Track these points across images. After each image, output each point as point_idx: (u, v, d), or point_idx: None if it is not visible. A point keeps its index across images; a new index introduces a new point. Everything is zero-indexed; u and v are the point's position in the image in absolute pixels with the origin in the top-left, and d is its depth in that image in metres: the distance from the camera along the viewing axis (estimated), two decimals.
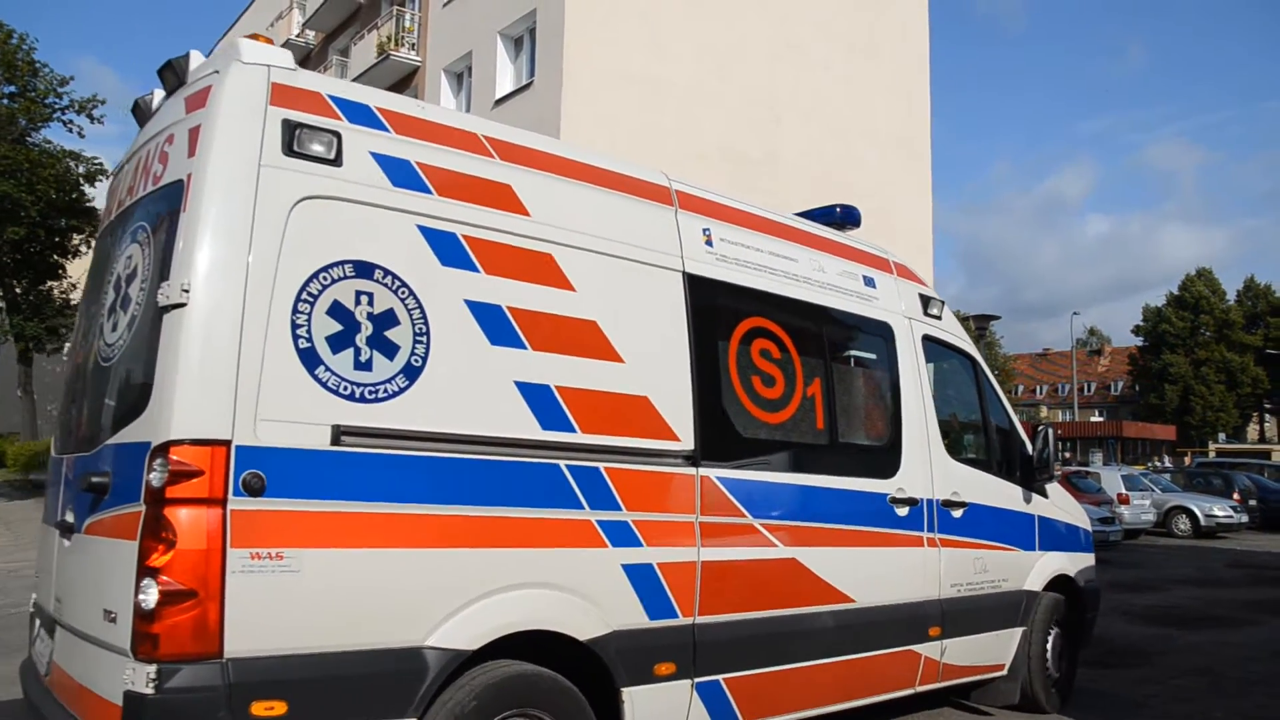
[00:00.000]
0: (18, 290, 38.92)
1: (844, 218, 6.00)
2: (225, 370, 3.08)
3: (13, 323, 39.04)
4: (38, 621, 4.07)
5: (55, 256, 39.24)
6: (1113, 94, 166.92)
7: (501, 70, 20.15)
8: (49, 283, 40.05)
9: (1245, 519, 22.35)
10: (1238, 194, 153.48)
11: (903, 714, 5.94)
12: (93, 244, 37.46)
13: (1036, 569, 6.22)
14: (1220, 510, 21.84)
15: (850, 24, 23.06)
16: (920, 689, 5.45)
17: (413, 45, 23.22)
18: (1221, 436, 64.79)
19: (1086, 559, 6.78)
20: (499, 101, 19.89)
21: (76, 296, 41.54)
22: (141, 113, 4.10)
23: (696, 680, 4.20)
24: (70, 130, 30.54)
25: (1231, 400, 69.96)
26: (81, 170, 36.59)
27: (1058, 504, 6.57)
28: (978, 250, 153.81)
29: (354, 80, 24.30)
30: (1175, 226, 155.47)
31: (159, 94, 4.02)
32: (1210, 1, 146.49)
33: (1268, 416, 75.55)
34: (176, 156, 3.43)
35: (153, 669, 2.89)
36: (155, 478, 2.99)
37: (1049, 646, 6.20)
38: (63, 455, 4.04)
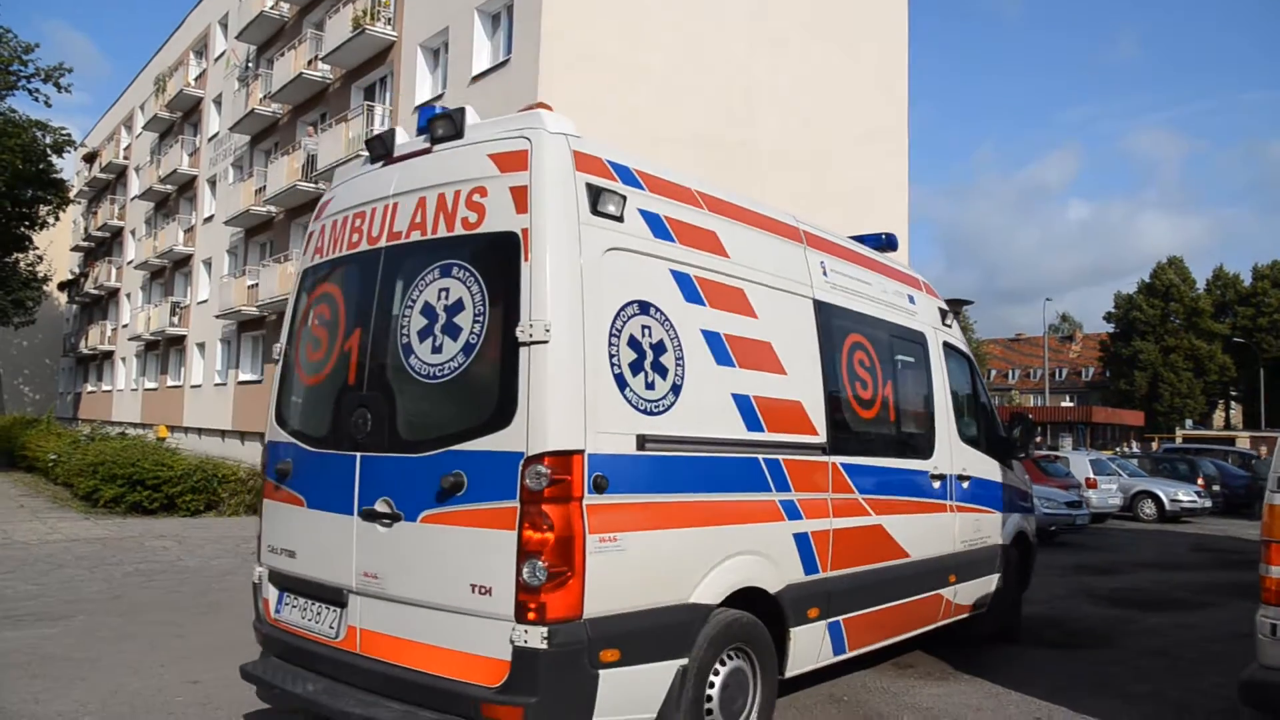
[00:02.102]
0: None
1: (887, 243, 7.10)
2: (577, 393, 3.90)
3: None
4: (280, 594, 4.83)
5: (21, 228, 38.53)
6: (1101, 81, 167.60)
7: (479, 47, 19.93)
8: (15, 254, 39.36)
9: (1209, 504, 22.69)
10: (1216, 183, 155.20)
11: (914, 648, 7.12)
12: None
13: (1007, 527, 7.71)
14: (1185, 495, 22.16)
15: (830, 13, 23.02)
16: (939, 624, 6.76)
17: (389, 20, 22.91)
18: (1189, 423, 65.73)
19: (1032, 519, 8.44)
20: (476, 78, 19.70)
21: (43, 269, 40.89)
22: (384, 146, 4.74)
23: (828, 620, 5.31)
24: (36, 99, 29.86)
25: (1199, 387, 71.02)
26: (49, 140, 35.84)
27: (1017, 474, 8.18)
28: (958, 234, 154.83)
29: (326, 56, 24.02)
30: (1154, 214, 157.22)
31: (403, 134, 4.77)
32: None
33: (1233, 404, 76.75)
34: (498, 210, 4.09)
35: (544, 629, 3.72)
36: (532, 482, 3.79)
37: (1013, 588, 7.81)
38: (339, 451, 4.51)
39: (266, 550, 5.00)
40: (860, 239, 6.84)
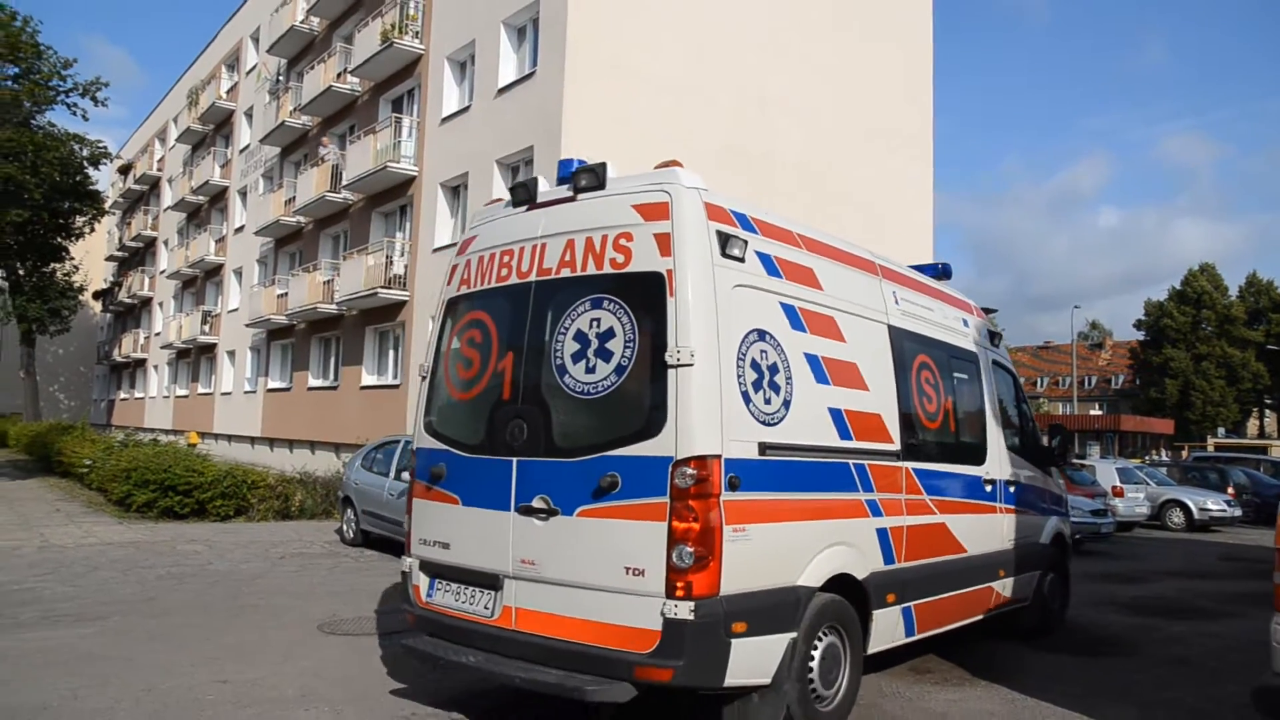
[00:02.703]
0: (21, 272, 39.06)
1: (943, 272, 7.91)
2: (715, 407, 4.66)
3: (15, 304, 39.20)
4: (430, 581, 5.59)
5: (59, 239, 39.34)
6: (1127, 87, 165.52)
7: (504, 59, 20.17)
8: (52, 264, 40.17)
9: (1239, 513, 22.39)
10: (1252, 189, 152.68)
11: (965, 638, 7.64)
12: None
13: (1047, 528, 8.49)
14: (1214, 504, 21.92)
15: (853, 19, 23.05)
16: (989, 613, 7.45)
17: (416, 33, 23.22)
18: (1221, 431, 64.75)
19: (1068, 522, 9.18)
20: (502, 90, 19.94)
21: (79, 279, 41.63)
22: (528, 193, 5.55)
23: (902, 605, 6.05)
24: (74, 113, 30.55)
25: (1231, 395, 69.94)
26: (85, 153, 36.63)
27: (1055, 481, 8.95)
28: (988, 242, 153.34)
29: (355, 69, 24.39)
30: (1187, 221, 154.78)
31: (544, 183, 5.56)
32: None
33: (1267, 412, 75.52)
34: (643, 252, 4.87)
35: (691, 604, 4.47)
36: (680, 481, 4.54)
37: (1052, 585, 8.54)
38: (497, 456, 5.26)
39: (418, 543, 5.71)
40: (919, 268, 7.64)
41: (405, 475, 11.99)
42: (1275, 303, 72.10)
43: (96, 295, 52.02)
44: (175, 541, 12.97)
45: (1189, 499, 22.04)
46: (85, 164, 37.07)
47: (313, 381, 27.48)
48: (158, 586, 9.64)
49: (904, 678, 6.81)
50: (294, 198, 28.19)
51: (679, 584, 4.49)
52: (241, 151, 35.19)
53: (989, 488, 7.36)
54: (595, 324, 4.97)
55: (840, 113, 22.25)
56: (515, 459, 5.15)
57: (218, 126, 38.27)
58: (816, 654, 5.22)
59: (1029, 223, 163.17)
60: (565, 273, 5.17)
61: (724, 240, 4.93)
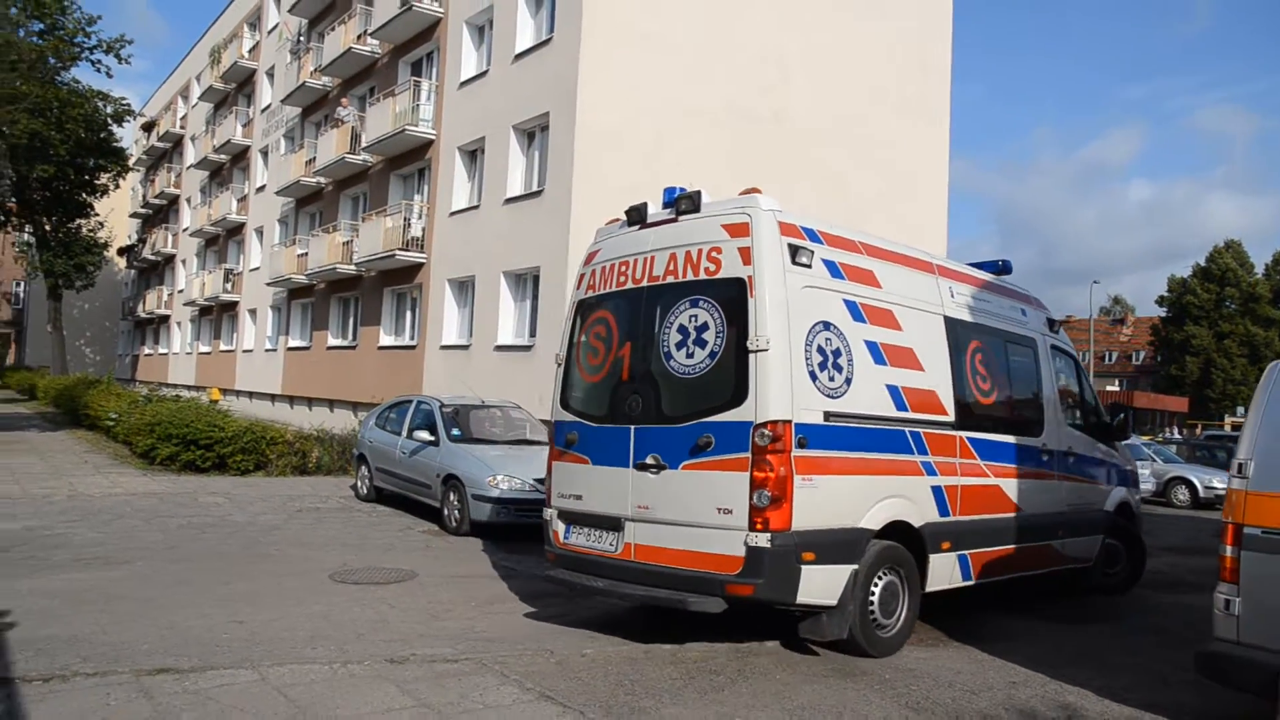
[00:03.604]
0: (47, 228, 39.66)
1: (1004, 268, 8.91)
2: (786, 383, 5.97)
3: (42, 259, 39.85)
4: (566, 526, 7.01)
5: (83, 195, 39.85)
6: (1168, 55, 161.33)
7: (522, 25, 20.25)
8: (77, 220, 40.74)
9: None
10: None
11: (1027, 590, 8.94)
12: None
13: (1111, 497, 9.47)
14: (1220, 482, 21.93)
15: None
16: (1049, 569, 8.58)
17: None
18: (1240, 410, 64.42)
19: (1135, 492, 10.11)
20: (519, 56, 20.05)
21: (104, 235, 42.20)
22: (639, 215, 6.96)
23: (957, 553, 7.19)
24: (99, 70, 30.96)
25: (1254, 374, 69.32)
26: (109, 110, 37.03)
27: (1122, 455, 9.95)
28: (1013, 213, 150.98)
29: (375, 31, 24.53)
30: (1221, 195, 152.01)
31: (653, 206, 6.91)
32: None
33: None
34: (730, 263, 6.22)
35: (768, 535, 5.81)
36: (759, 440, 5.87)
37: (1116, 550, 9.46)
38: (618, 425, 6.68)
39: (556, 497, 7.16)
40: (980, 265, 8.79)
41: (417, 434, 12.40)
42: None
43: (121, 251, 52.71)
44: (197, 493, 13.47)
45: (1195, 476, 22.17)
46: (109, 121, 37.50)
47: (332, 341, 27.94)
48: (179, 535, 10.10)
49: None
50: (314, 158, 28.46)
51: (758, 520, 5.81)
52: (263, 111, 35.44)
53: (1045, 457, 8.37)
54: (693, 319, 6.36)
55: (857, 79, 22.18)
56: (633, 426, 6.58)
57: (240, 85, 38.50)
58: (877, 589, 6.43)
59: (1056, 194, 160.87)
60: (669, 279, 6.57)
61: (794, 251, 6.20)
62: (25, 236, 44.14)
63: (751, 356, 5.96)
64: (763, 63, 20.50)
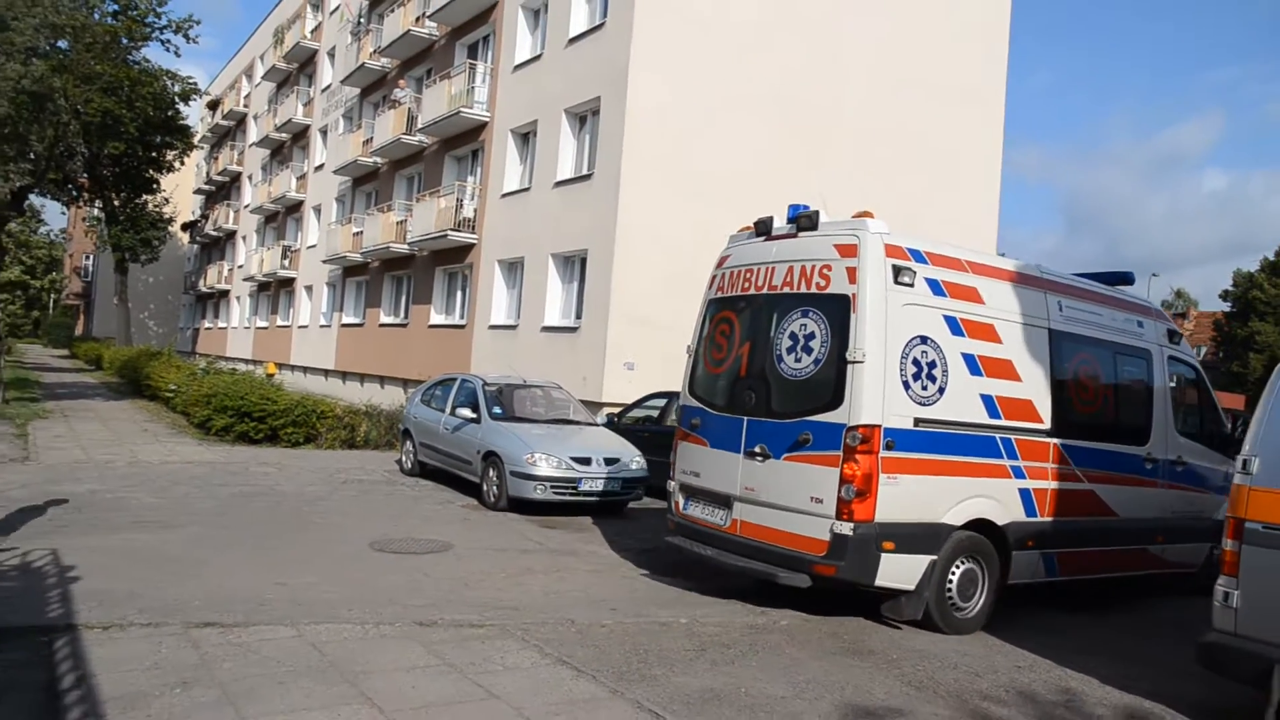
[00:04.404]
0: (115, 203, 40.98)
1: (1122, 279, 9.14)
2: (879, 392, 6.59)
3: (111, 233, 41.20)
4: (685, 499, 7.96)
5: (150, 171, 41.08)
6: (1253, 39, 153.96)
7: (576, 9, 20.46)
8: (144, 196, 42.03)
9: None
10: None
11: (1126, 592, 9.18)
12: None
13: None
14: None
15: None
16: (1147, 572, 8.84)
17: None
18: None
19: None
20: (573, 40, 20.27)
21: (169, 211, 43.47)
22: (765, 227, 7.69)
23: (1042, 551, 7.63)
24: (168, 49, 31.58)
25: None
26: (177, 89, 38.05)
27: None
28: (1082, 202, 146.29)
29: (434, 13, 24.94)
30: None
31: (778, 221, 7.60)
32: None
33: None
34: (838, 280, 6.86)
35: (852, 524, 6.50)
36: (850, 440, 6.53)
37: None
38: (734, 415, 7.50)
39: (680, 472, 8.07)
40: (1096, 276, 8.92)
41: (460, 411, 12.79)
42: None
43: (184, 227, 54.18)
44: (248, 464, 14.04)
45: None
46: (176, 99, 38.54)
47: (384, 318, 28.57)
48: (230, 503, 10.61)
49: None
50: (371, 139, 29.05)
51: (844, 510, 6.51)
52: (323, 91, 36.17)
53: (1149, 465, 8.59)
54: (803, 328, 7.05)
55: (911, 66, 21.97)
56: (746, 418, 7.37)
57: (301, 65, 39.30)
58: (955, 575, 7.02)
59: (1126, 183, 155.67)
60: (786, 290, 7.29)
61: (897, 271, 6.77)
62: (95, 211, 45.62)
63: (849, 366, 6.59)
64: (817, 48, 20.43)
